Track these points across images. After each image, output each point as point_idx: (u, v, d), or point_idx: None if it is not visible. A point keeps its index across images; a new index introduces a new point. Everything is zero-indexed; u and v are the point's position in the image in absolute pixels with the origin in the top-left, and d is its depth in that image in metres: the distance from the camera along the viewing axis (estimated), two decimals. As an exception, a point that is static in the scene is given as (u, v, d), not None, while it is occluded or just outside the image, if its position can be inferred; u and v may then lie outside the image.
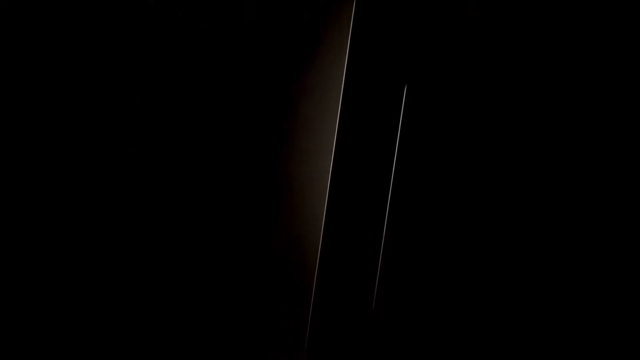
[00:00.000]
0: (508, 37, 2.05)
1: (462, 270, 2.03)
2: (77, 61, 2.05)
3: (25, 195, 2.03)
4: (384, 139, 2.07)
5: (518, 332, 2.00)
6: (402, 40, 2.05)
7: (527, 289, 2.02)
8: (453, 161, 2.06)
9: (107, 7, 2.05)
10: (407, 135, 2.07)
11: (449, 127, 2.07)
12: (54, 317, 2.00)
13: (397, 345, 2.03)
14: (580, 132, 2.04)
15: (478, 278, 2.03)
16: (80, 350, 2.00)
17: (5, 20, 2.04)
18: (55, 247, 2.02)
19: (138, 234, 2.03)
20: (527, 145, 2.05)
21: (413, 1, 2.05)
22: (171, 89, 2.06)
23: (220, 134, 2.06)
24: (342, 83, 2.07)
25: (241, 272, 2.04)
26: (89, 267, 2.02)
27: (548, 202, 2.04)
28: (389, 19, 2.06)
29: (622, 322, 1.99)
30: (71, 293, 2.01)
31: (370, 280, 2.05)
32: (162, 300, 2.02)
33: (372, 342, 2.02)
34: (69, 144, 2.05)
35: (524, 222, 2.04)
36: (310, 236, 2.05)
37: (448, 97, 2.06)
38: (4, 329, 1.99)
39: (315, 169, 2.06)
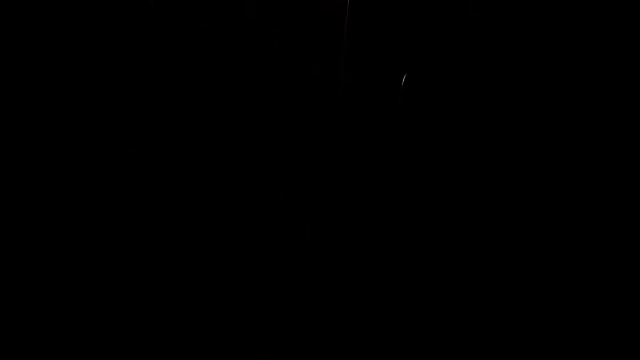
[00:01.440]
0: (508, 37, 2.05)
1: (462, 269, 2.03)
2: (77, 61, 2.05)
3: (25, 195, 2.03)
4: (382, 137, 2.07)
5: (518, 332, 2.00)
6: (400, 37, 2.05)
7: (530, 289, 2.02)
8: (453, 159, 2.06)
9: (107, 7, 2.05)
10: (406, 131, 2.07)
11: (448, 122, 2.07)
12: (54, 317, 2.00)
13: (397, 345, 2.03)
14: (580, 130, 2.04)
15: (480, 277, 2.03)
16: (80, 350, 2.00)
17: (5, 20, 2.05)
18: (56, 247, 2.02)
19: (138, 234, 2.03)
20: (528, 143, 2.05)
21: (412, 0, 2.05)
22: (171, 89, 2.06)
23: (220, 133, 2.06)
24: (341, 81, 2.07)
25: (242, 272, 2.04)
26: (89, 267, 2.02)
27: (548, 200, 2.04)
28: (388, 15, 2.07)
29: (622, 322, 1.99)
30: (71, 293, 2.01)
31: (370, 279, 2.05)
32: (162, 300, 2.02)
33: (372, 342, 2.02)
34: (69, 144, 2.05)
35: (525, 219, 2.04)
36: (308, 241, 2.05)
37: (447, 91, 2.06)
38: (4, 329, 1.99)
39: (315, 166, 2.06)
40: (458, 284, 2.02)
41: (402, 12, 2.07)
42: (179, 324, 2.01)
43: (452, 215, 2.05)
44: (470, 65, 2.06)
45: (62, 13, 2.05)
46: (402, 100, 2.07)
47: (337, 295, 2.03)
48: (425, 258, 2.04)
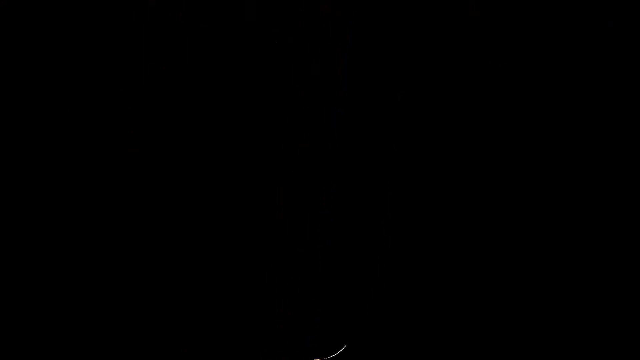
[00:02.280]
0: (508, 37, 2.05)
1: (462, 269, 2.03)
2: (77, 61, 2.05)
3: (25, 195, 2.03)
4: (382, 137, 2.07)
5: (518, 332, 2.00)
6: (400, 37, 2.05)
7: (530, 289, 2.02)
8: (453, 158, 2.06)
9: (107, 7, 2.05)
10: (406, 131, 2.07)
11: (447, 125, 2.07)
12: (54, 317, 2.00)
13: (397, 346, 2.02)
14: (580, 131, 2.04)
15: (480, 277, 2.03)
16: (80, 350, 2.00)
17: (5, 20, 2.04)
18: (56, 247, 2.02)
19: (138, 234, 2.03)
20: (527, 143, 2.05)
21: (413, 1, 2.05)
22: (171, 89, 2.06)
23: (220, 133, 2.06)
24: (341, 81, 2.07)
25: (242, 272, 2.03)
26: (89, 267, 2.02)
27: (548, 200, 2.04)
28: (388, 15, 2.06)
29: (622, 322, 1.99)
30: (71, 293, 2.01)
31: (370, 279, 2.04)
32: (161, 300, 2.01)
33: (372, 342, 2.02)
34: (69, 144, 2.05)
35: (526, 218, 2.03)
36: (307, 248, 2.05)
37: (447, 95, 2.06)
38: (4, 329, 1.98)
39: (315, 166, 2.06)
40: (458, 284, 2.02)
41: (402, 12, 2.07)
42: (179, 324, 2.01)
43: (452, 215, 2.05)
44: (470, 65, 2.06)
45: (62, 13, 2.05)
46: (402, 100, 2.07)
47: (337, 295, 2.03)
48: (425, 258, 2.04)
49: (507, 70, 2.05)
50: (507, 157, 2.05)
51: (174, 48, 2.06)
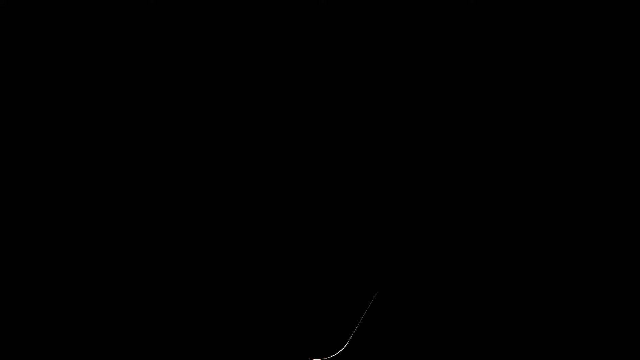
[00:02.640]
0: (508, 37, 2.05)
1: (462, 269, 2.04)
2: (77, 61, 2.06)
3: (25, 195, 2.03)
4: (382, 137, 2.08)
5: (518, 332, 2.01)
6: (401, 36, 2.05)
7: (530, 289, 2.02)
8: (452, 158, 2.07)
9: (107, 7, 2.05)
10: (406, 130, 2.07)
11: (447, 127, 2.07)
12: (54, 317, 2.00)
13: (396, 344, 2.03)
14: (579, 131, 2.05)
15: (480, 277, 2.03)
16: (80, 350, 2.00)
17: (5, 20, 2.05)
18: (55, 246, 2.02)
19: (138, 233, 2.03)
20: (527, 143, 2.05)
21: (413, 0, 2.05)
22: (171, 89, 2.06)
23: (220, 133, 2.06)
24: (341, 81, 2.07)
25: (241, 272, 2.04)
26: (89, 267, 2.02)
27: (548, 200, 2.04)
28: (388, 15, 2.07)
29: (622, 322, 2.00)
30: (71, 293, 2.01)
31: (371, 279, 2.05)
32: (161, 301, 2.02)
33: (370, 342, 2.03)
34: (69, 143, 2.05)
35: (526, 218, 2.04)
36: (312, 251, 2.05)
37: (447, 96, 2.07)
38: (4, 329, 1.99)
39: (315, 166, 2.06)
40: (457, 284, 2.03)
41: (402, 12, 2.07)
42: (178, 324, 2.01)
43: (451, 215, 2.05)
44: (470, 65, 2.07)
45: (62, 13, 2.06)
46: (402, 100, 2.07)
47: (337, 295, 2.03)
48: (424, 258, 2.04)
49: (506, 70, 2.06)
50: (506, 156, 2.05)
51: (173, 48, 2.06)
